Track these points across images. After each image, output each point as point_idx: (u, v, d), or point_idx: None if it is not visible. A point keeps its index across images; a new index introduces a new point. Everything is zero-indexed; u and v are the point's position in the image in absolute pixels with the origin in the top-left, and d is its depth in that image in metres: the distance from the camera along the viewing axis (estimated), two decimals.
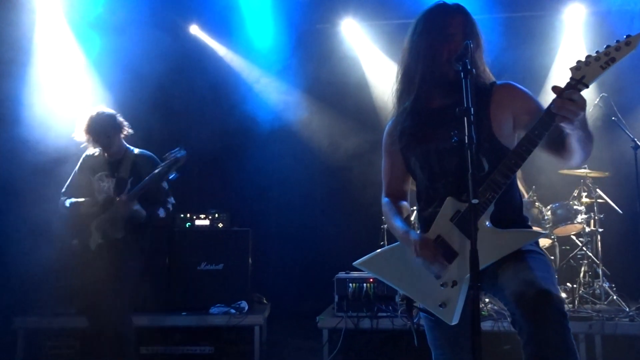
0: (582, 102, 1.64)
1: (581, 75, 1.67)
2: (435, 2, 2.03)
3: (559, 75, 5.67)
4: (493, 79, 2.03)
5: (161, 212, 3.57)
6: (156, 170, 3.40)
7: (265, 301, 5.05)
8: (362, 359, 4.42)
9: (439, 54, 1.90)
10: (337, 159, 5.72)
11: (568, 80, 1.68)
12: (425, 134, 1.95)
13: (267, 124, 5.82)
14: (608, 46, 1.67)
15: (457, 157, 1.84)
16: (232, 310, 4.48)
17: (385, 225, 4.89)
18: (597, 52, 1.68)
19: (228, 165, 5.88)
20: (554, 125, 1.68)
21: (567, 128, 1.67)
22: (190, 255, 4.73)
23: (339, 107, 5.86)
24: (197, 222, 4.96)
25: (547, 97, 5.27)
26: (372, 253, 2.06)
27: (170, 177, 3.45)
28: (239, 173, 5.83)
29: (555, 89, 1.68)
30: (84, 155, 3.67)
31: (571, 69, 1.69)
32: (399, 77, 2.08)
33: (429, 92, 1.97)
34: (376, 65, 5.94)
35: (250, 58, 5.99)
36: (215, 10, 5.74)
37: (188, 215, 4.95)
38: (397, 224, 1.97)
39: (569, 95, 1.64)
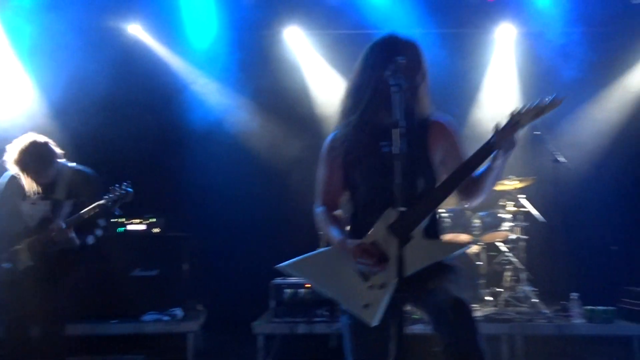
0: (516, 141, 1.96)
1: (517, 119, 1.96)
2: (390, 33, 2.16)
3: (490, 90, 5.99)
4: (434, 111, 2.20)
5: (90, 240, 3.39)
6: (101, 202, 3.28)
7: (201, 308, 4.97)
8: None
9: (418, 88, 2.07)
10: (277, 164, 5.72)
11: (507, 120, 1.97)
12: (371, 149, 2.07)
13: (206, 126, 5.73)
14: (539, 102, 1.97)
15: (412, 174, 1.98)
16: (165, 318, 4.38)
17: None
18: (530, 105, 1.98)
19: (165, 168, 5.75)
20: (491, 154, 1.97)
21: (497, 160, 1.97)
22: (123, 261, 4.59)
23: (279, 113, 5.88)
24: (131, 227, 4.81)
25: (480, 112, 5.57)
26: (297, 258, 2.12)
27: (115, 212, 3.37)
28: (176, 176, 5.72)
29: (496, 126, 1.97)
30: (8, 177, 3.39)
31: (510, 113, 1.98)
32: (348, 93, 2.18)
33: (376, 110, 2.08)
34: (318, 74, 6.02)
35: (189, 59, 5.89)
36: (155, 10, 5.62)
37: (119, 220, 4.78)
38: (334, 232, 2.07)
39: (507, 132, 1.94)
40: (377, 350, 1.94)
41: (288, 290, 4.28)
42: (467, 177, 1.99)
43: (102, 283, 4.50)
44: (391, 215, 1.95)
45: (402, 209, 1.78)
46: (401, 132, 1.81)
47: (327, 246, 2.15)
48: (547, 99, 1.96)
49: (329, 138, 2.22)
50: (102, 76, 5.24)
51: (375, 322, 1.89)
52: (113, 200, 3.29)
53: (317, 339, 4.32)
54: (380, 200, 2.01)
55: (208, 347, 4.68)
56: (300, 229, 5.50)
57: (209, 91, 5.85)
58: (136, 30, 5.74)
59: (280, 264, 2.13)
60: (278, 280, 4.37)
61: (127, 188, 3.35)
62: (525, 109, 1.96)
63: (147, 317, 4.38)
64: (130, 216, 4.84)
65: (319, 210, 2.18)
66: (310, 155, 5.94)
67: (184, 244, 4.81)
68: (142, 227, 4.85)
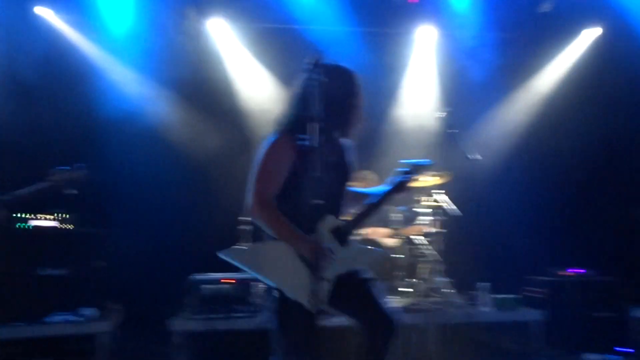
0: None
1: (413, 171, 2.50)
2: (353, 71, 2.41)
3: (410, 88, 6.20)
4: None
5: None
6: (44, 185, 3.05)
7: (116, 307, 4.76)
8: None
9: (351, 112, 2.35)
10: (197, 158, 5.59)
11: (405, 171, 2.49)
12: (327, 165, 2.26)
13: (122, 117, 5.44)
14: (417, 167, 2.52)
15: (339, 186, 2.36)
16: (74, 318, 4.15)
17: (246, 227, 4.99)
18: (412, 166, 2.51)
19: (77, 160, 5.40)
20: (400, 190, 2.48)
21: (391, 197, 2.45)
22: (30, 259, 4.29)
23: (201, 105, 5.74)
24: (39, 223, 4.51)
25: (400, 109, 5.73)
26: (240, 246, 2.26)
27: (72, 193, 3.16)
28: (91, 169, 5.41)
29: (399, 173, 2.49)
30: None
31: (403, 169, 2.49)
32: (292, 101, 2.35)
33: (337, 129, 2.35)
34: (242, 67, 5.94)
35: (105, 45, 5.62)
36: None
37: (24, 215, 4.46)
38: (297, 230, 2.22)
39: (408, 182, 2.47)
40: (308, 336, 2.12)
41: (207, 286, 4.20)
42: (389, 200, 2.45)
43: (3, 283, 4.18)
44: (331, 221, 2.27)
45: (320, 201, 1.99)
46: (320, 126, 1.95)
47: (270, 240, 2.25)
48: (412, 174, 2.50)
49: (283, 137, 2.28)
50: (7, 60, 4.88)
51: (317, 310, 2.12)
52: (60, 182, 3.06)
53: (237, 335, 4.29)
54: (321, 207, 2.18)
55: (122, 348, 4.49)
56: (220, 223, 5.42)
57: (126, 80, 5.60)
58: (45, 12, 5.39)
59: (222, 251, 2.22)
60: (196, 276, 4.28)
61: (80, 169, 3.12)
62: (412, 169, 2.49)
63: (55, 318, 4.13)
64: (38, 211, 4.53)
65: (265, 205, 2.22)
66: (232, 150, 5.90)
67: (98, 240, 4.58)
68: (53, 223, 4.56)
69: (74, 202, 4.83)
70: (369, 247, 2.53)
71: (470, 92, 5.91)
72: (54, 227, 4.53)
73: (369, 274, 2.38)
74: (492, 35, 5.90)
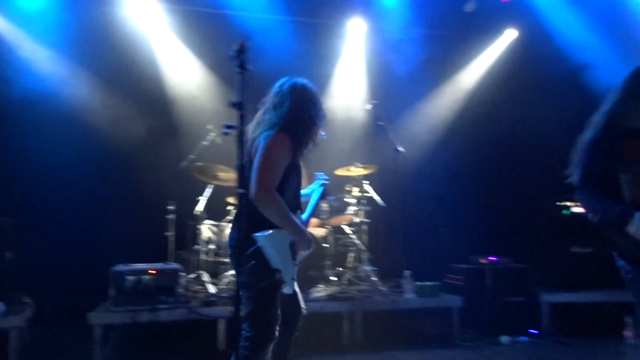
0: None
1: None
2: (315, 91, 2.63)
3: (341, 80, 6.25)
4: None
5: None
6: None
7: (28, 300, 4.45)
8: (138, 355, 4.24)
9: (312, 127, 2.57)
10: (120, 144, 5.32)
11: (323, 183, 2.85)
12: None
13: (33, 98, 5.05)
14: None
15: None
16: None
17: (172, 216, 4.85)
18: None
19: None
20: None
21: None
22: None
23: (124, 89, 5.46)
24: None
25: (331, 100, 5.75)
26: (276, 229, 2.40)
27: None
28: None
29: (320, 184, 2.87)
30: None
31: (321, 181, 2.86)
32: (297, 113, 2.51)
33: (311, 137, 2.58)
34: (168, 50, 5.71)
35: (15, 20, 5.20)
36: None
37: None
38: (296, 219, 2.48)
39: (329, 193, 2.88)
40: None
41: (130, 277, 4.03)
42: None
43: None
44: (300, 215, 2.58)
45: (241, 190, 2.15)
46: (242, 114, 2.02)
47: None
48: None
49: (283, 133, 2.42)
50: None
51: (292, 291, 2.48)
52: None
53: (161, 327, 4.15)
54: (298, 199, 2.57)
55: (36, 343, 4.22)
56: (144, 211, 5.20)
57: (39, 58, 5.19)
58: None
59: (259, 233, 2.36)
60: (119, 267, 4.09)
61: None
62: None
63: None
64: None
65: (270, 193, 2.37)
66: (158, 136, 5.64)
67: (6, 230, 4.25)
68: None
69: None
70: None
71: (397, 86, 6.05)
72: None
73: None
74: (419, 31, 6.07)
